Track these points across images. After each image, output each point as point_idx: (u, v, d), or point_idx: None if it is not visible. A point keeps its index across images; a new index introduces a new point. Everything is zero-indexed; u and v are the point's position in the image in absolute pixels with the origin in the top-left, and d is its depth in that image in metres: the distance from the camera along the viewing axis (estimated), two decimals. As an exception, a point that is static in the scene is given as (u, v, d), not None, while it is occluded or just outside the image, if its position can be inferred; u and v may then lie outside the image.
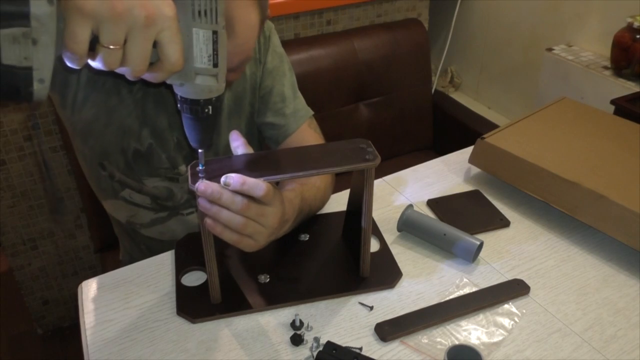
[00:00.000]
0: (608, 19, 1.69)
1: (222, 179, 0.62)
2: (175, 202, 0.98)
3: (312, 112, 1.00)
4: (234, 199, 0.62)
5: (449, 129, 1.85)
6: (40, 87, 0.50)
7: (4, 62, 0.48)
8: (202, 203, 0.64)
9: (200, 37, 0.56)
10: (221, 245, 0.83)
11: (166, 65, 0.54)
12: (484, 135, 0.98)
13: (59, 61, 0.53)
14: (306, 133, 0.98)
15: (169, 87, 0.86)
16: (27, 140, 1.45)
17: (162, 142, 0.91)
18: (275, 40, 0.98)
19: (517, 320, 0.73)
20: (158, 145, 0.91)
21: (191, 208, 0.99)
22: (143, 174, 0.94)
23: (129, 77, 0.54)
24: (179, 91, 0.60)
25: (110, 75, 0.84)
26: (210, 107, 0.61)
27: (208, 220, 0.64)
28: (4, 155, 1.44)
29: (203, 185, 0.62)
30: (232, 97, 0.94)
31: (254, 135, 1.00)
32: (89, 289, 0.79)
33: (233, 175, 0.62)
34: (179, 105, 0.61)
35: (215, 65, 0.58)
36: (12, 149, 1.44)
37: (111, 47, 0.50)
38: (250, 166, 0.67)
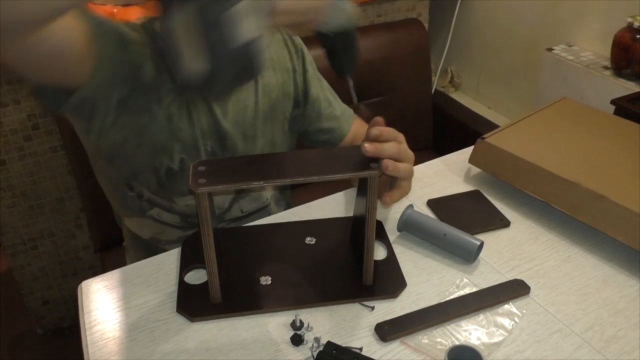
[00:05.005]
0: (608, 19, 1.69)
1: (374, 131, 0.74)
2: None
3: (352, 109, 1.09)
4: (390, 133, 0.77)
5: (449, 129, 1.85)
6: (262, 56, 0.50)
7: (247, 36, 0.46)
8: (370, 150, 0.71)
9: None
10: (225, 246, 0.83)
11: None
12: (484, 135, 0.98)
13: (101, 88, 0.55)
14: (358, 125, 1.06)
15: (203, 96, 0.88)
16: (27, 140, 1.45)
17: (194, 154, 0.90)
18: (306, 51, 1.03)
19: (518, 321, 0.73)
20: (190, 158, 0.90)
21: (221, 224, 0.99)
22: (175, 192, 0.93)
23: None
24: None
25: (141, 93, 0.84)
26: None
27: (386, 161, 0.73)
28: (4, 155, 1.44)
29: (368, 146, 0.71)
30: (268, 102, 0.95)
31: (286, 141, 1.03)
32: (89, 289, 0.79)
33: (381, 128, 0.75)
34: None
35: None
36: (12, 149, 1.44)
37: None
38: (252, 168, 0.67)
